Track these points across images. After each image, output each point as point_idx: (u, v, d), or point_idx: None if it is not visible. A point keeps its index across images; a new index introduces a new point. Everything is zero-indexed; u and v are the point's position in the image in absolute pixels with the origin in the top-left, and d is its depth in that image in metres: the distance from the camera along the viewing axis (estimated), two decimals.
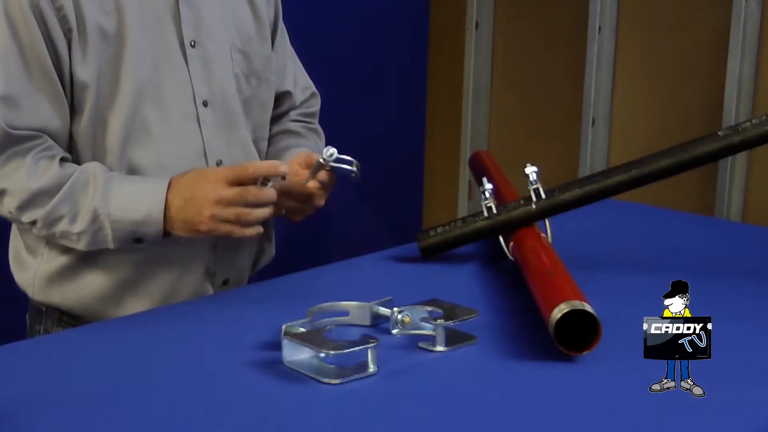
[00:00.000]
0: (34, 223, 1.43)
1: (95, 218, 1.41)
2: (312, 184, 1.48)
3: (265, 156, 1.66)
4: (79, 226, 1.42)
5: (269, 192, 1.40)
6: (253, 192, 1.38)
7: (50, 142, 1.44)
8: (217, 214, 1.38)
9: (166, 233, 1.43)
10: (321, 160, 1.44)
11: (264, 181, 1.40)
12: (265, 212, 1.40)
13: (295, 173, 1.50)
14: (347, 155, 1.45)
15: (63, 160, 1.44)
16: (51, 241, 1.50)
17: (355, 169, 1.44)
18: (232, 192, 1.38)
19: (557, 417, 1.07)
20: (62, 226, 1.42)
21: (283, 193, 1.47)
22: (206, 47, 1.53)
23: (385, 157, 3.05)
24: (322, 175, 1.48)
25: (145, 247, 1.46)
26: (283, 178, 1.42)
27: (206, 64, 1.53)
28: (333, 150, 1.44)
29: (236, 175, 1.39)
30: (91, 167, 1.43)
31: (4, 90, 1.40)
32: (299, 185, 1.48)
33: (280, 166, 1.39)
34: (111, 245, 1.43)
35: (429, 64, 3.31)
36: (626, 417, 1.07)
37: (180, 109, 1.50)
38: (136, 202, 1.41)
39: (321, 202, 1.52)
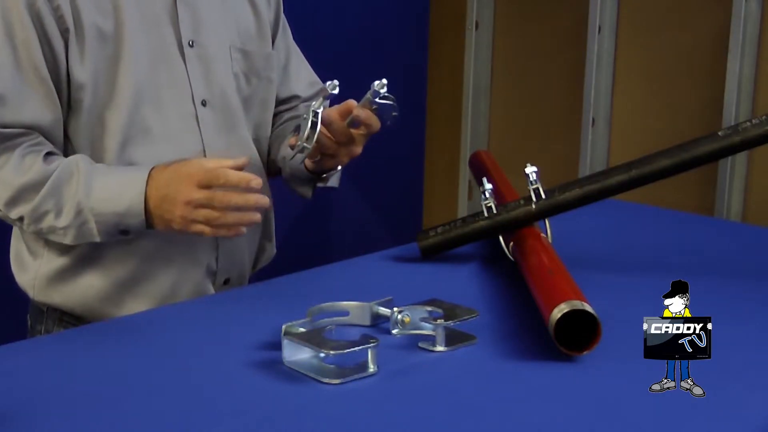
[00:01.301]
0: (21, 219, 1.44)
1: (79, 212, 1.41)
2: (355, 130, 1.47)
3: (272, 128, 1.67)
4: (64, 220, 1.42)
5: (239, 198, 1.38)
6: (218, 197, 1.38)
7: (40, 138, 1.44)
8: (187, 215, 1.39)
9: (150, 224, 1.43)
10: (372, 91, 1.43)
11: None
12: (237, 216, 1.39)
13: (332, 122, 1.45)
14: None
15: (49, 154, 1.44)
16: (50, 242, 1.50)
17: (396, 105, 1.43)
18: (200, 195, 1.38)
19: (557, 417, 1.07)
20: (48, 221, 1.43)
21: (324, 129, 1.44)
22: (205, 47, 1.53)
23: (385, 157, 3.04)
24: (366, 113, 1.45)
25: (133, 238, 1.46)
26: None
27: (205, 63, 1.53)
28: (385, 81, 1.42)
29: (208, 181, 1.39)
30: (75, 160, 1.43)
31: None
32: (342, 126, 1.46)
33: (252, 180, 1.39)
34: (97, 238, 1.43)
35: (429, 64, 3.31)
36: (626, 417, 1.07)
37: (179, 108, 1.50)
38: (118, 194, 1.41)
39: (358, 149, 1.51)
